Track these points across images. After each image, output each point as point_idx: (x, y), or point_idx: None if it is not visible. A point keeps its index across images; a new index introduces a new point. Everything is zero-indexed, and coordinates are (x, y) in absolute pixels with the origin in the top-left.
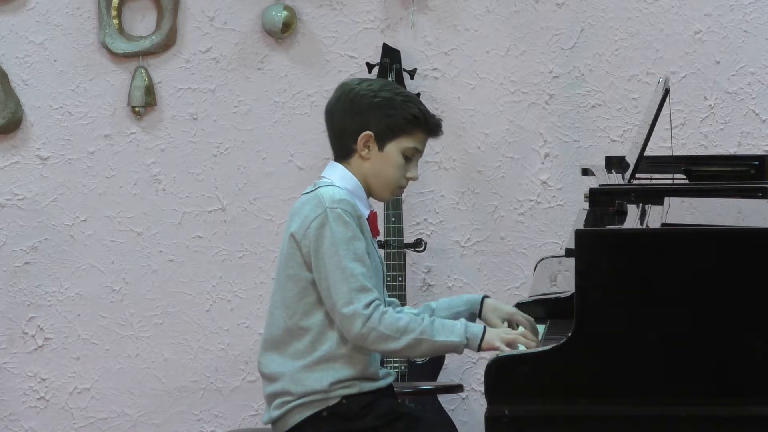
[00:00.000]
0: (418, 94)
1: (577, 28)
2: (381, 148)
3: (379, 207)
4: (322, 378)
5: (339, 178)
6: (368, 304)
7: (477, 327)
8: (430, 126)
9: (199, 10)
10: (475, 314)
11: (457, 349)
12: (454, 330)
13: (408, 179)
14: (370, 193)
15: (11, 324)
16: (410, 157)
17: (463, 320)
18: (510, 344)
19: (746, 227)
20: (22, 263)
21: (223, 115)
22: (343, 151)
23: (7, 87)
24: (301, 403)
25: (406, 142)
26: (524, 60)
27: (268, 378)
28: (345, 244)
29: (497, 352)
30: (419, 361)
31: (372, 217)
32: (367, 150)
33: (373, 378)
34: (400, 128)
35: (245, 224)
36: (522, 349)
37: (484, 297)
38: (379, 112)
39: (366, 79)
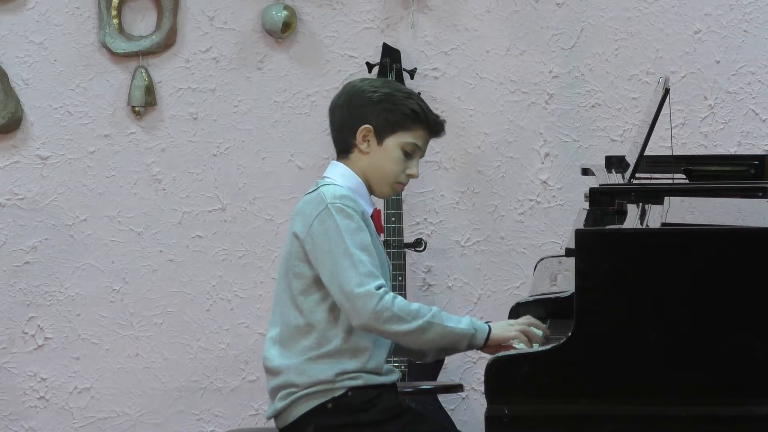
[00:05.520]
0: (418, 94)
1: (577, 28)
2: (380, 142)
3: (379, 206)
4: (327, 369)
5: (341, 177)
6: (379, 287)
7: (482, 322)
8: (430, 123)
9: (199, 10)
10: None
11: (464, 338)
12: (462, 320)
13: (408, 176)
14: (370, 190)
15: (11, 324)
16: (410, 153)
17: (468, 316)
18: (524, 332)
19: (746, 227)
20: (22, 263)
21: (223, 115)
22: (343, 147)
23: (7, 87)
24: (306, 393)
25: (405, 137)
26: (524, 60)
27: (273, 372)
28: (350, 233)
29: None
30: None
31: (376, 215)
32: (366, 144)
33: (378, 372)
34: (399, 123)
35: (245, 224)
36: (523, 347)
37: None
38: (379, 107)
39: (370, 78)
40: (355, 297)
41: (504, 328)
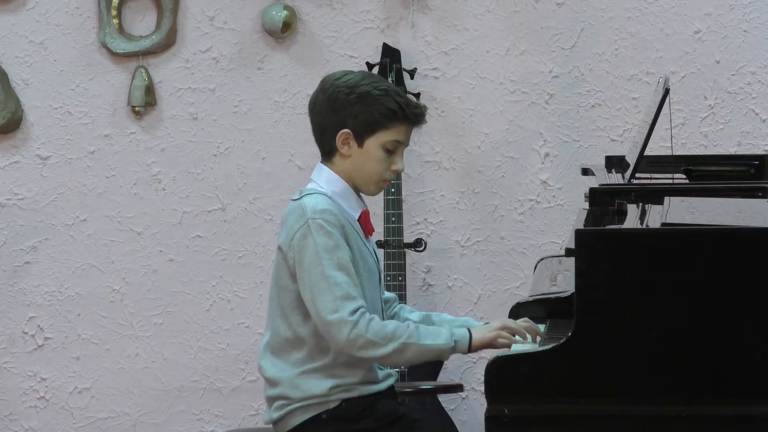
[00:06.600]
0: (418, 94)
1: (577, 27)
2: (360, 144)
3: (379, 207)
4: (321, 383)
5: (326, 182)
6: (354, 311)
7: (461, 330)
8: (409, 117)
9: (199, 10)
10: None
11: (443, 353)
12: (440, 334)
13: (393, 171)
14: (357, 190)
15: (11, 324)
16: (392, 150)
17: (447, 326)
18: (504, 328)
19: (746, 227)
20: (22, 263)
21: (223, 115)
22: (325, 149)
23: (7, 87)
24: (301, 406)
25: (385, 136)
26: (524, 60)
27: (268, 381)
28: (328, 253)
29: (498, 352)
30: None
31: (364, 216)
32: (346, 147)
33: (374, 381)
34: (378, 123)
35: (245, 224)
36: (521, 347)
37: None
38: (356, 109)
39: (347, 73)
40: (329, 324)
41: (483, 330)
